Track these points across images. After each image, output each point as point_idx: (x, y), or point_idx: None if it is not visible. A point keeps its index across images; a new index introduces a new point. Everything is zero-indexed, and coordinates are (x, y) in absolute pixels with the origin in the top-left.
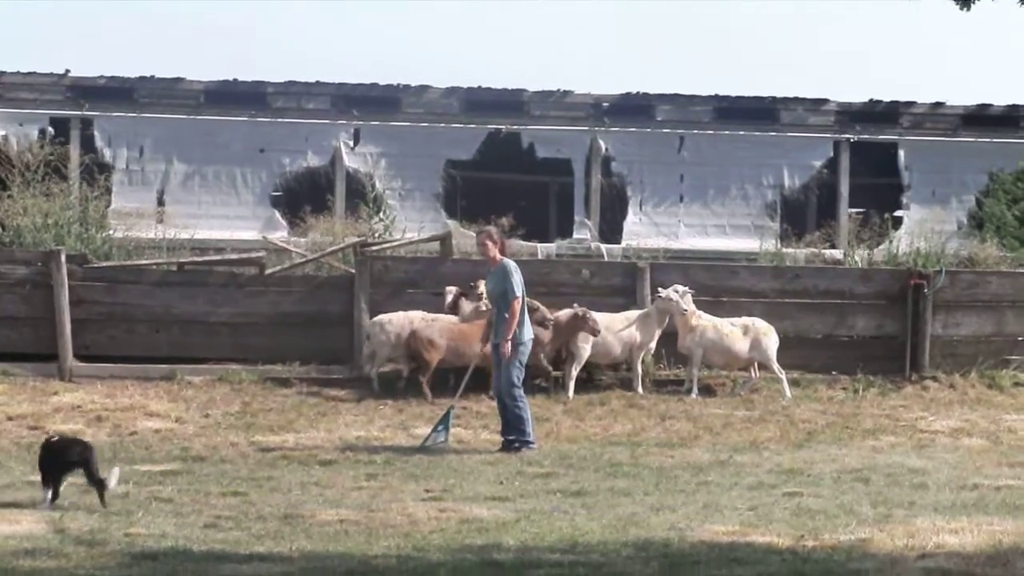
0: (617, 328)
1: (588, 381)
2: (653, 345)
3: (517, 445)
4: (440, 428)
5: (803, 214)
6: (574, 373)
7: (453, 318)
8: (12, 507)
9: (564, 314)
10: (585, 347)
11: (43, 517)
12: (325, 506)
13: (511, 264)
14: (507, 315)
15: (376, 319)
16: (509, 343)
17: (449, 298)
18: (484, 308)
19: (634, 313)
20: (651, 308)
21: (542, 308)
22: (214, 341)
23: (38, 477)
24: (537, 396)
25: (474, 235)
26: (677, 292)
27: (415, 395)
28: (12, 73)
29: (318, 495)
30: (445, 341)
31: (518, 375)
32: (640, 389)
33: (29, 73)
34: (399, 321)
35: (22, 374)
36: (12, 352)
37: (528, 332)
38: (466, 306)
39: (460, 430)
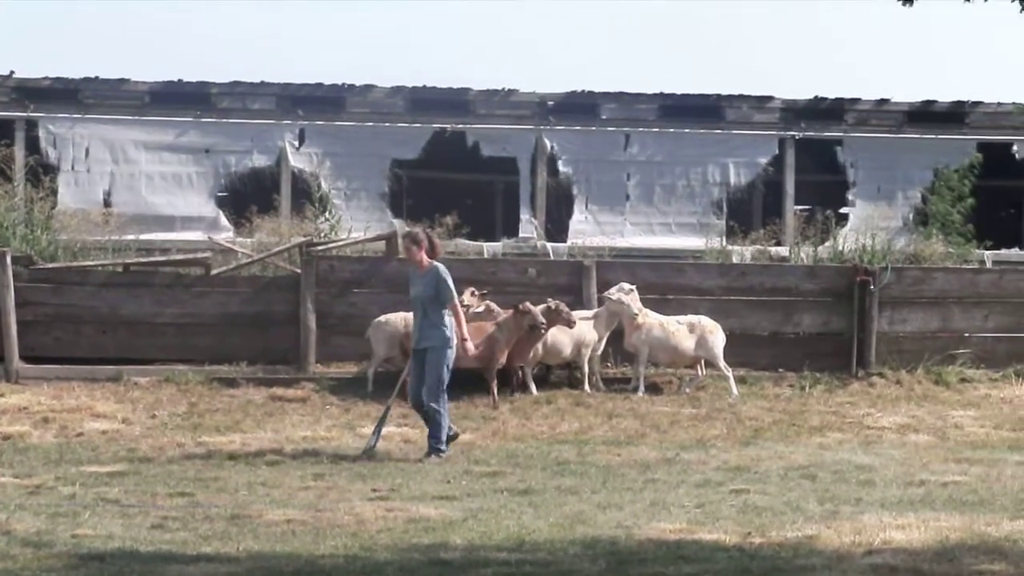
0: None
1: (536, 380)
2: (601, 345)
3: (430, 450)
4: (376, 431)
5: (749, 211)
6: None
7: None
8: None
9: (537, 309)
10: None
11: None
12: (272, 506)
13: (442, 267)
14: (446, 316)
15: (376, 319)
16: (469, 344)
17: None
18: (481, 309)
19: (585, 312)
20: (601, 309)
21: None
22: (160, 342)
23: None
24: (485, 395)
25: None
26: (623, 290)
27: (372, 396)
28: None
29: (265, 495)
30: None
31: (446, 379)
32: (588, 388)
33: None
34: (396, 321)
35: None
36: None
37: (453, 337)
38: (472, 304)
39: (408, 430)
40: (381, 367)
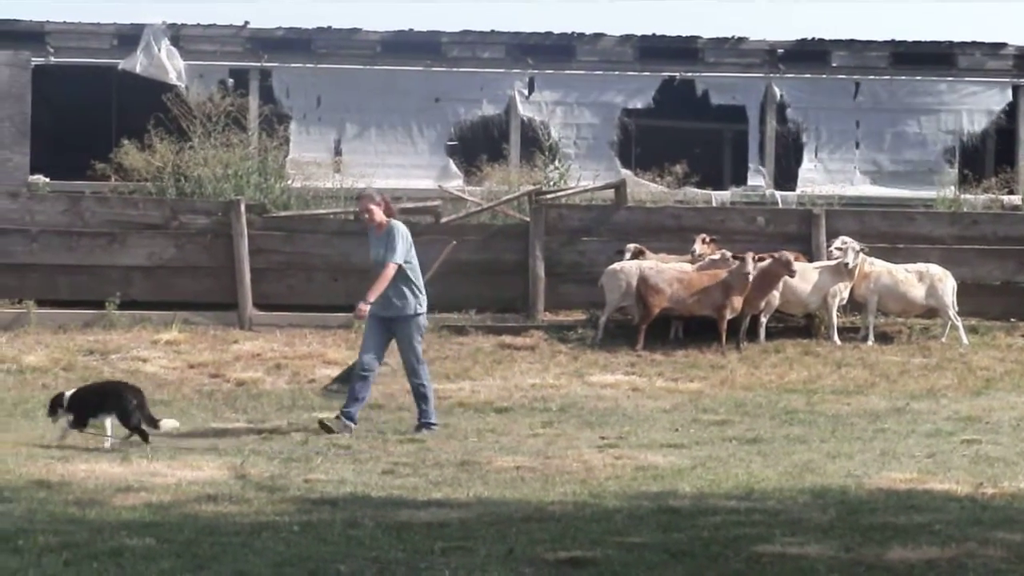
0: (811, 278)
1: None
2: (845, 295)
3: (420, 425)
4: (341, 379)
5: (981, 160)
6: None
7: (687, 266)
8: (194, 453)
9: (763, 262)
10: (777, 294)
11: (224, 463)
12: (501, 453)
13: (399, 227)
14: (413, 282)
15: (609, 267)
16: (363, 306)
17: (627, 256)
18: (717, 257)
19: (828, 263)
20: (839, 259)
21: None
22: None
23: (221, 424)
24: (713, 344)
25: (649, 183)
26: (847, 244)
27: (601, 344)
28: (192, 26)
29: (494, 442)
30: (671, 289)
31: (420, 351)
32: (836, 338)
33: (209, 26)
34: (630, 269)
35: (203, 323)
36: (193, 301)
37: (423, 304)
38: (705, 252)
39: (635, 378)
40: (613, 316)
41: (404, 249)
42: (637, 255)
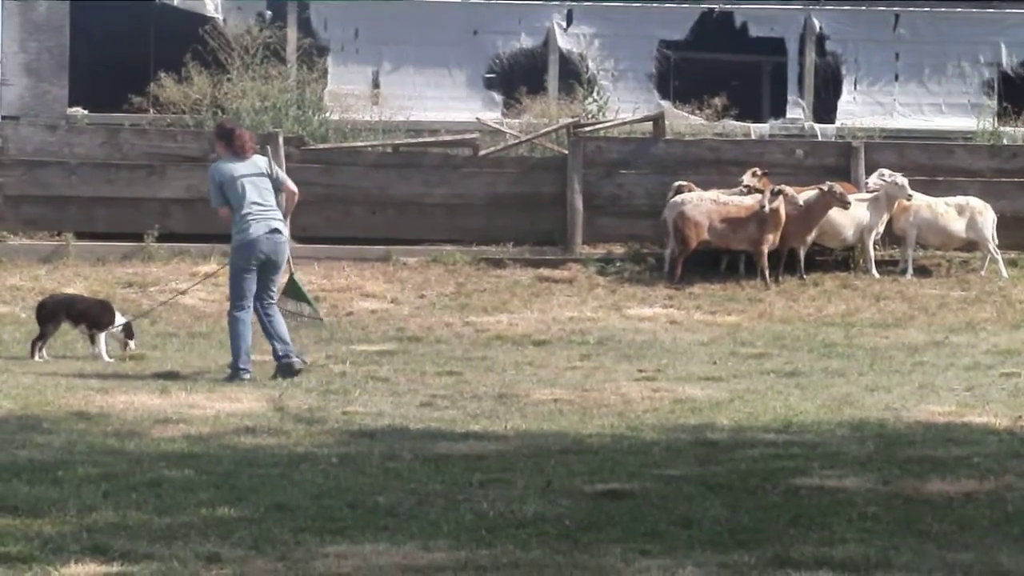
0: (849, 211)
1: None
2: (882, 228)
3: (230, 371)
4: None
5: (1022, 92)
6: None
7: (726, 198)
8: (232, 385)
9: (810, 194)
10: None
11: (263, 395)
12: (539, 386)
13: (209, 170)
14: (238, 217)
15: (672, 200)
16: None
17: (671, 193)
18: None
19: (863, 196)
20: (880, 191)
21: (786, 189)
22: (429, 222)
23: (258, 356)
24: (752, 277)
25: (688, 115)
26: (883, 176)
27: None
28: None
29: (532, 375)
30: (710, 222)
31: (238, 294)
32: (875, 271)
33: None
34: (695, 201)
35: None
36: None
37: (236, 239)
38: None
39: (674, 311)
40: (651, 248)
41: (214, 193)
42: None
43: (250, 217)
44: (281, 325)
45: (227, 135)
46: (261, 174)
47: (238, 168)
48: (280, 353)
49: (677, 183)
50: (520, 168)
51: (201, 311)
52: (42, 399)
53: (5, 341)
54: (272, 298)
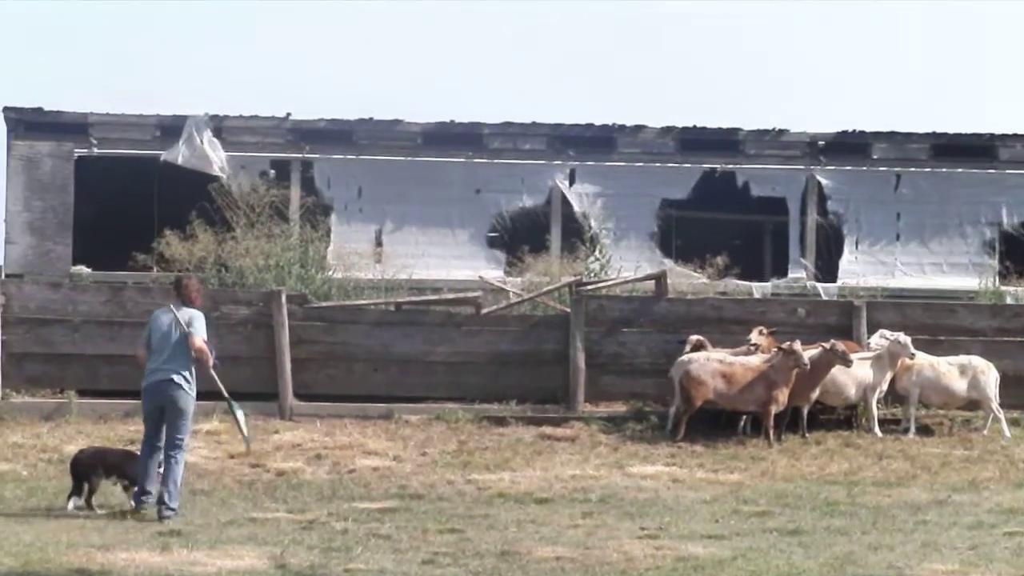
0: (852, 369)
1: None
2: (885, 387)
3: (167, 513)
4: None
5: (1022, 252)
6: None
7: (732, 358)
8: (234, 543)
9: (813, 352)
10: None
11: (265, 552)
12: (542, 543)
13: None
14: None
15: (679, 359)
16: None
17: (688, 348)
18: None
19: (867, 354)
20: (883, 350)
21: (796, 346)
22: (431, 380)
23: (261, 514)
24: (756, 437)
25: (690, 274)
26: (885, 336)
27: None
28: (235, 117)
29: (534, 532)
30: (715, 382)
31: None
32: (877, 430)
33: (251, 117)
34: (700, 360)
35: (244, 413)
36: (234, 391)
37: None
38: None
39: (676, 469)
40: (653, 406)
41: (146, 336)
42: (697, 348)
43: (150, 365)
44: (175, 474)
45: (175, 284)
46: (184, 323)
47: (167, 318)
48: (160, 499)
49: (694, 337)
50: (523, 326)
51: (203, 468)
52: (43, 556)
53: (7, 498)
54: (176, 445)
